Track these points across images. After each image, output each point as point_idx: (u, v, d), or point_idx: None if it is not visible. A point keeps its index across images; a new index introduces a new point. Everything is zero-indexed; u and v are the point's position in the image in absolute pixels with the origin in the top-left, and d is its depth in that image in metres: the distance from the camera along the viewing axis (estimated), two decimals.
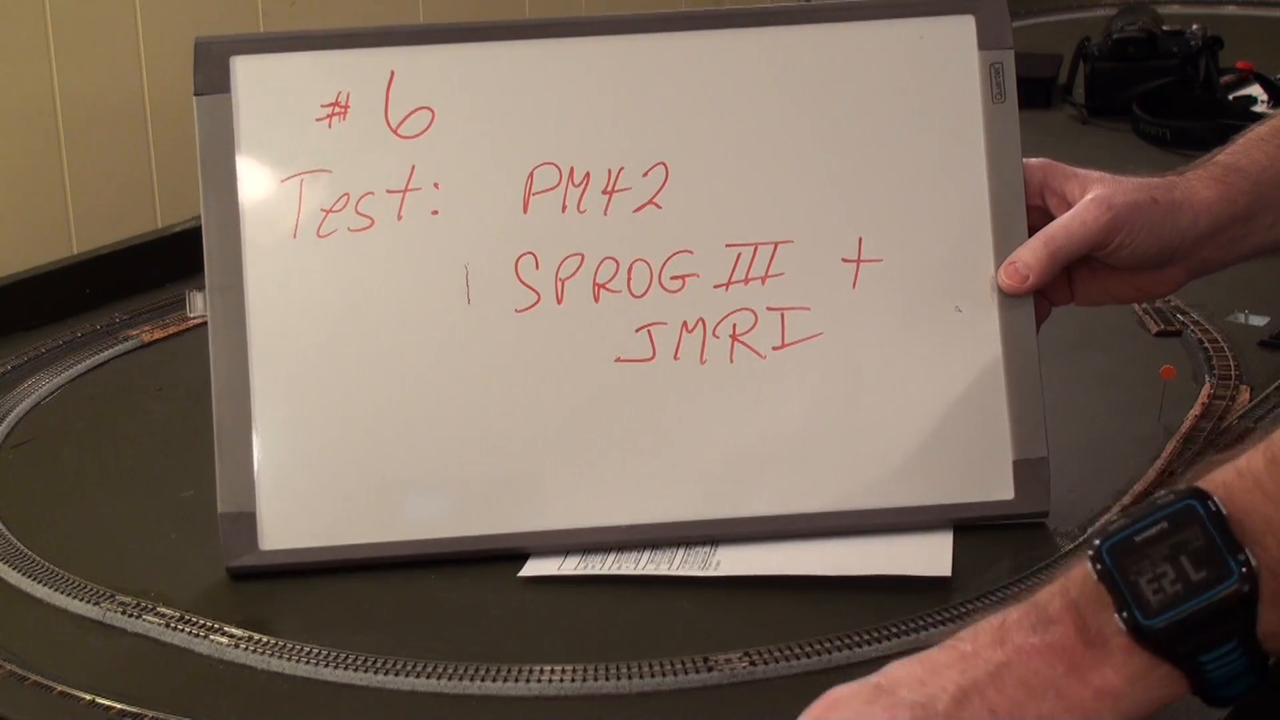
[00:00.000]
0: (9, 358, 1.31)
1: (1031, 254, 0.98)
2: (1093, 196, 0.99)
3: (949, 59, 1.01)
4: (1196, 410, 1.14)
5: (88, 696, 0.85)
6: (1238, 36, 2.04)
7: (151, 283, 1.46)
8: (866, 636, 0.87)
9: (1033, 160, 1.02)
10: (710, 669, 0.85)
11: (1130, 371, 1.23)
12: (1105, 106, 1.93)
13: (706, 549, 0.97)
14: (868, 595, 0.93)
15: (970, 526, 0.99)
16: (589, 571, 0.96)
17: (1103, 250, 0.99)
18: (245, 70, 0.98)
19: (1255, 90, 1.97)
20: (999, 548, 0.97)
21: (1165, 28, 1.93)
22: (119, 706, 0.84)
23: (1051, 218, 1.00)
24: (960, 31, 1.01)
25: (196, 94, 0.98)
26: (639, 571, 0.96)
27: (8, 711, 0.84)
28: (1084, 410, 1.16)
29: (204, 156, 0.98)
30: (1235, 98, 1.94)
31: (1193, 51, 1.89)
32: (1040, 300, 1.01)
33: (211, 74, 0.98)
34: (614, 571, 0.96)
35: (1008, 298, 0.99)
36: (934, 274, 1.00)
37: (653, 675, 0.85)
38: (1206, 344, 1.25)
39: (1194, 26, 1.91)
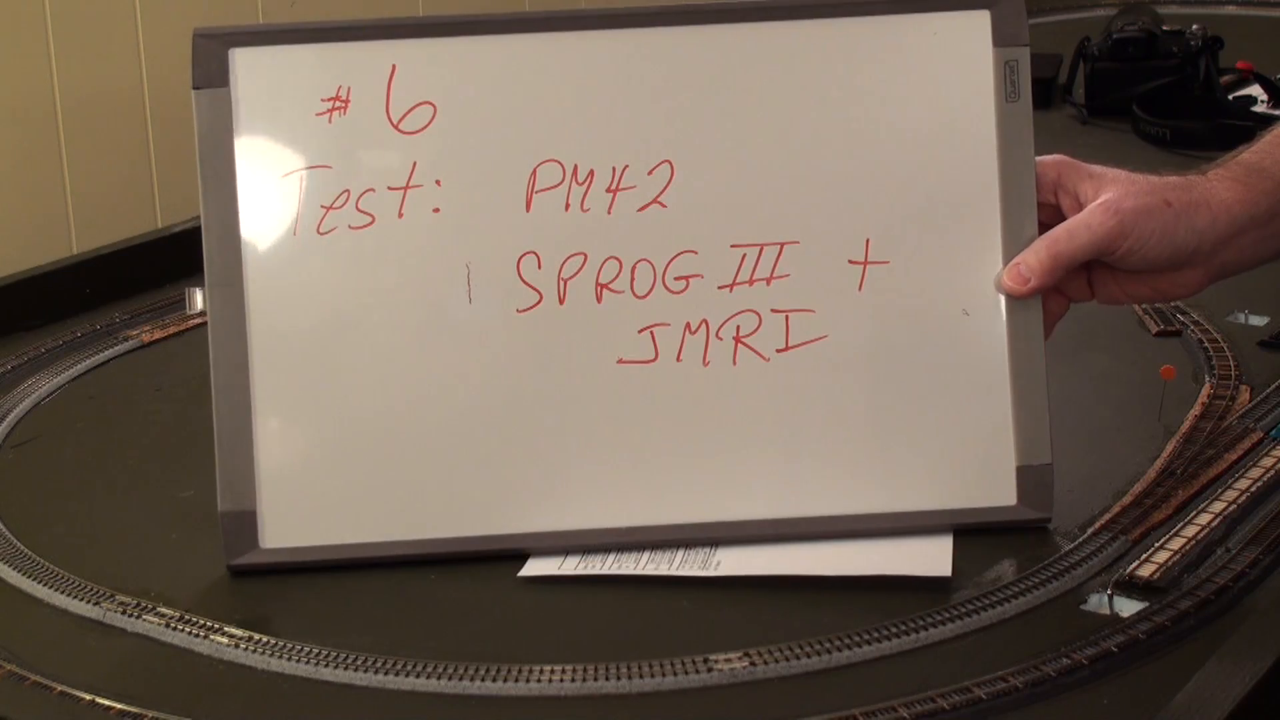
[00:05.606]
0: (9, 358, 1.31)
1: (1035, 257, 0.97)
2: (1101, 201, 0.97)
3: (963, 56, 0.99)
4: (1196, 410, 1.14)
5: (88, 696, 0.85)
6: (1238, 36, 2.03)
7: (151, 283, 1.46)
8: (866, 636, 0.87)
9: (1048, 157, 1.00)
10: (710, 669, 0.85)
11: (1130, 371, 1.23)
12: (1105, 106, 1.92)
13: (706, 549, 0.97)
14: (868, 595, 0.93)
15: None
16: (589, 571, 0.96)
17: (1111, 255, 0.98)
18: (244, 63, 0.97)
19: (1255, 90, 1.97)
20: (999, 548, 0.97)
21: (1165, 28, 1.93)
22: (119, 706, 0.84)
23: (1063, 218, 0.99)
24: (975, 27, 0.99)
25: (195, 88, 0.97)
26: (639, 571, 0.95)
27: (8, 711, 0.84)
28: (1084, 410, 1.15)
29: (203, 152, 0.97)
30: (1235, 98, 1.94)
31: (1193, 51, 1.88)
32: (1058, 297, 1.00)
33: (210, 67, 0.97)
34: (614, 571, 0.96)
35: (1016, 302, 0.98)
36: (942, 277, 0.99)
37: (653, 675, 0.85)
38: (1206, 344, 1.25)
39: (1194, 26, 1.91)
